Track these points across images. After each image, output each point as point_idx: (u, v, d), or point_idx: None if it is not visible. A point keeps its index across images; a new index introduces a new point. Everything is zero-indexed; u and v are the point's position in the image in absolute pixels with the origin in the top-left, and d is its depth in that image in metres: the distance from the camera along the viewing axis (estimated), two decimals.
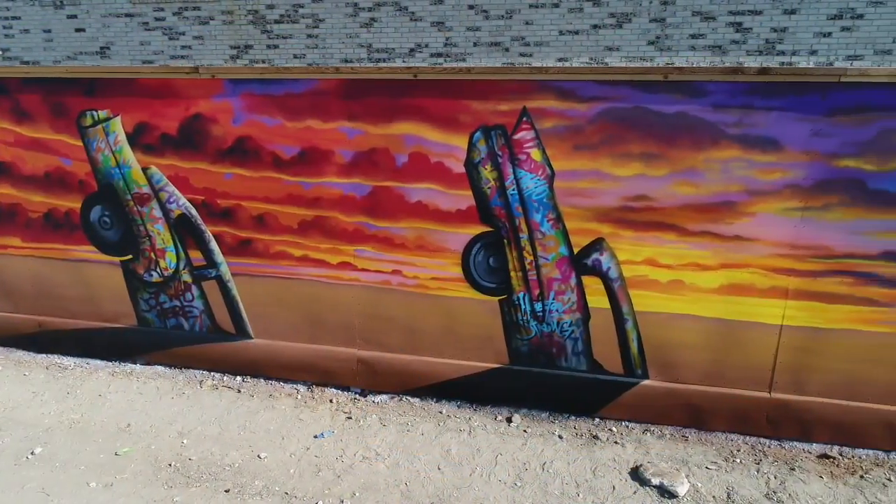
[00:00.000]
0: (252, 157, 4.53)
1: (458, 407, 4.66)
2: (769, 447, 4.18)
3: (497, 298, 4.40)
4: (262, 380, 5.07)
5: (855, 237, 3.76)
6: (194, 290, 4.97)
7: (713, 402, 4.23)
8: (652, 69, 3.76)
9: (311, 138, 4.39)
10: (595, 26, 10.03)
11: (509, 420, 4.49)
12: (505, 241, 4.26)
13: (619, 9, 9.90)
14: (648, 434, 4.32)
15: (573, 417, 4.50)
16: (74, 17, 12.21)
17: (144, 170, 4.76)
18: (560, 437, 4.31)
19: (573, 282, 4.24)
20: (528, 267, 4.28)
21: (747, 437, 4.25)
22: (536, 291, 4.31)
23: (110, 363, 5.36)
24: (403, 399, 4.78)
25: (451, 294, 4.46)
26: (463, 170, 4.19)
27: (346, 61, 11.06)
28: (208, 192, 4.70)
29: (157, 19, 11.76)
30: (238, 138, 4.52)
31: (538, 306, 4.34)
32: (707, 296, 4.05)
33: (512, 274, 4.31)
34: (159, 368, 5.26)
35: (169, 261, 4.95)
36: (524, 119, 4.01)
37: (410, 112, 4.17)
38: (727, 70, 3.66)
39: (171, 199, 4.78)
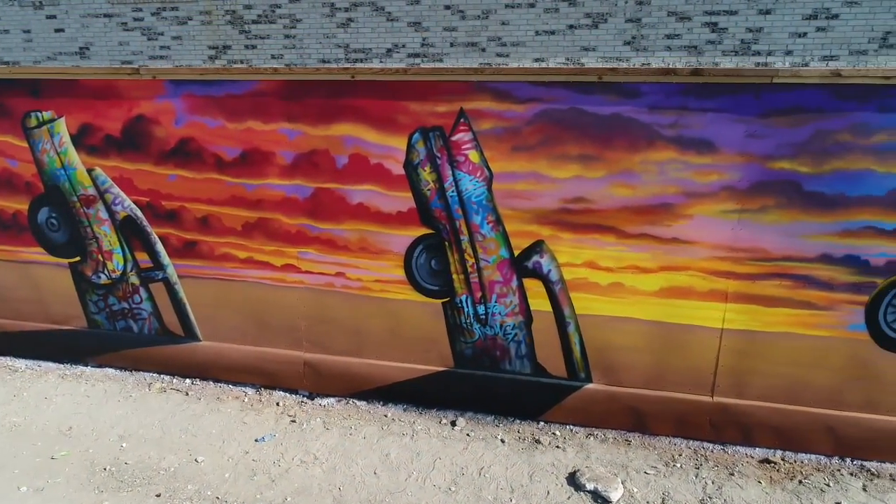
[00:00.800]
0: (195, 159, 4.50)
1: (405, 410, 4.62)
2: (712, 452, 4.14)
3: (440, 301, 4.36)
4: (210, 382, 5.04)
5: (792, 240, 3.72)
6: (142, 292, 4.93)
7: (656, 405, 4.19)
8: (586, 70, 3.72)
9: (252, 140, 4.36)
10: (571, 26, 9.99)
11: (454, 424, 4.46)
12: (446, 243, 4.22)
13: (594, 9, 9.86)
14: (592, 438, 4.28)
15: (518, 421, 4.46)
16: (54, 17, 12.18)
17: (89, 171, 4.73)
18: (502, 441, 4.28)
19: (515, 284, 4.20)
20: (469, 270, 4.24)
21: (690, 442, 4.22)
22: (479, 294, 4.28)
23: (62, 365, 5.33)
24: (350, 402, 4.74)
25: (395, 296, 4.42)
26: (402, 171, 4.16)
27: (324, 62, 11.04)
28: (153, 194, 4.66)
29: (135, 20, 11.73)
30: (180, 140, 4.48)
31: (481, 309, 4.30)
32: (647, 299, 4.01)
33: (454, 276, 4.28)
34: (109, 371, 5.23)
35: (116, 263, 4.91)
36: (462, 120, 3.98)
37: (349, 113, 4.14)
38: (660, 71, 3.62)
39: (117, 201, 4.74)
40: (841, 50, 9.35)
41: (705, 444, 4.19)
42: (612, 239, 3.96)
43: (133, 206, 4.72)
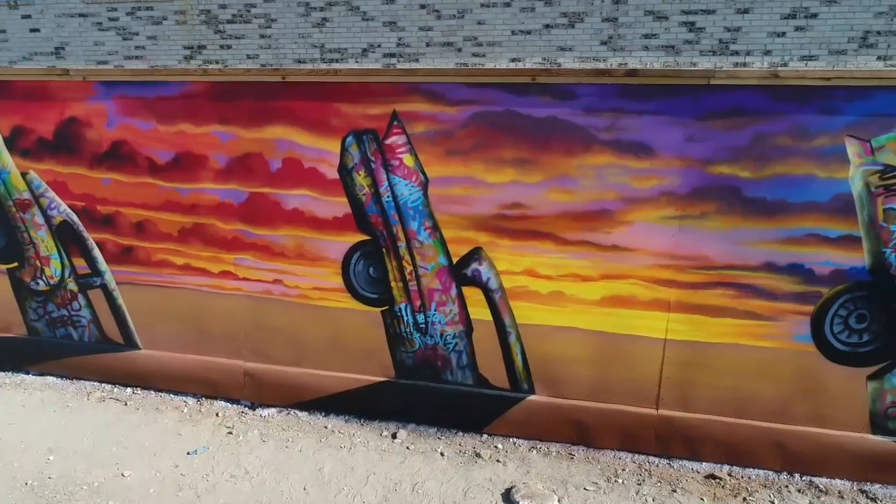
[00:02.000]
0: (128, 162, 4.36)
1: (346, 422, 4.48)
2: (657, 466, 3.99)
3: (379, 309, 4.22)
4: (152, 392, 4.90)
5: (734, 247, 3.58)
6: (81, 298, 4.80)
7: (600, 418, 4.05)
8: (520, 71, 3.58)
9: (185, 143, 4.22)
10: (547, 26, 9.84)
11: (394, 436, 4.31)
12: (384, 249, 4.08)
13: (570, 8, 9.72)
14: (534, 452, 4.14)
15: (461, 434, 4.31)
16: (29, 17, 12.05)
17: (23, 175, 4.59)
18: (442, 454, 4.13)
19: (454, 293, 4.06)
20: (408, 277, 4.10)
21: (636, 456, 4.07)
22: (418, 302, 4.13)
23: (1, 374, 5.19)
24: (291, 413, 4.60)
25: (334, 305, 4.28)
26: (337, 176, 4.02)
27: (300, 62, 10.90)
28: (88, 198, 4.53)
29: (110, 19, 11.61)
30: (113, 142, 4.35)
31: (420, 318, 4.16)
32: (589, 308, 3.87)
33: (392, 284, 4.14)
34: (51, 379, 5.10)
35: (54, 269, 4.78)
36: (395, 123, 3.84)
37: (281, 115, 4.00)
38: (594, 72, 3.47)
39: (52, 206, 4.61)
40: (820, 50, 9.20)
41: (651, 459, 4.04)
42: (551, 246, 3.81)
43: (69, 210, 4.58)
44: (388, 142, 3.87)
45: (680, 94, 3.43)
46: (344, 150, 3.96)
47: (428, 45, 10.34)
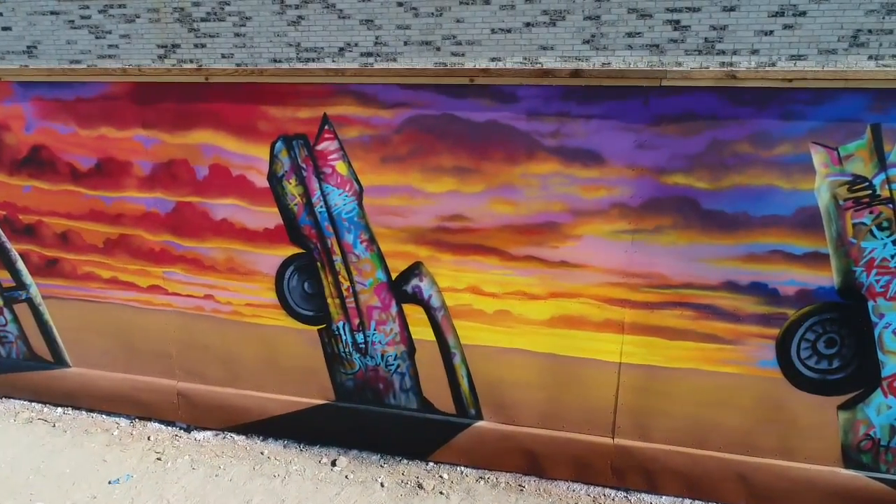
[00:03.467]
0: (49, 169, 4.06)
1: (284, 447, 4.18)
2: (613, 500, 3.68)
3: (316, 328, 3.92)
4: (83, 412, 4.60)
5: (692, 265, 3.27)
6: (7, 313, 4.50)
7: (552, 447, 3.74)
8: (456, 71, 3.27)
9: (106, 148, 3.92)
10: (528, 24, 9.53)
11: (334, 463, 4.01)
12: (318, 263, 3.77)
13: (552, 6, 9.40)
14: (482, 482, 3.83)
15: (405, 461, 4.01)
16: (0, 14, 11.75)
17: None
18: (382, 484, 3.83)
19: (394, 310, 3.75)
20: (345, 293, 3.79)
21: (591, 488, 3.76)
22: (356, 321, 3.83)
23: None
24: (228, 437, 4.30)
25: (268, 322, 3.98)
26: (266, 184, 3.71)
27: (275, 61, 10.60)
28: (9, 207, 4.23)
29: (82, 17, 11.31)
30: (32, 147, 4.05)
31: (360, 337, 3.85)
32: (537, 328, 3.56)
33: (329, 301, 3.83)
34: None
35: None
36: (326, 127, 3.53)
37: (206, 119, 3.69)
38: (537, 73, 3.16)
39: None
40: (809, 49, 8.87)
41: (607, 491, 3.73)
42: (496, 261, 3.51)
43: None
44: (319, 148, 3.57)
45: (630, 97, 3.12)
46: (273, 156, 3.65)
47: (406, 44, 10.03)
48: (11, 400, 4.74)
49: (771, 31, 8.95)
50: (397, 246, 3.63)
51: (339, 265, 3.75)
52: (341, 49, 10.30)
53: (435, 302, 3.67)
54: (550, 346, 3.57)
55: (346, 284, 3.78)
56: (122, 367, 4.39)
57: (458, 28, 9.81)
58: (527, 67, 3.48)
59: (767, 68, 8.98)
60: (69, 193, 4.07)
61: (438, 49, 9.97)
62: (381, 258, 3.68)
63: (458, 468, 3.93)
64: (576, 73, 3.11)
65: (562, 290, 3.46)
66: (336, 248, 3.72)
